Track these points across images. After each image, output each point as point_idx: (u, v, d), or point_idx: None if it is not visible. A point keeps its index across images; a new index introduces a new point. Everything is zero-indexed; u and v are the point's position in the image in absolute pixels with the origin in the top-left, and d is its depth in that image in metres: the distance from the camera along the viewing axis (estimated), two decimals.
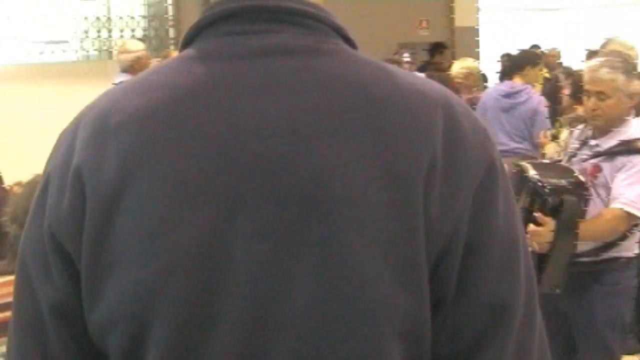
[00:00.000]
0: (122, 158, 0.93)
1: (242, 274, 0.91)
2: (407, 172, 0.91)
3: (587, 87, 3.39)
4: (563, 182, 3.19)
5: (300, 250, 0.90)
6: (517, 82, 6.21)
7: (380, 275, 0.90)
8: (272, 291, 0.90)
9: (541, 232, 3.17)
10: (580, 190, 3.18)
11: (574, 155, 3.47)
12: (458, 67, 7.19)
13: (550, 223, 3.16)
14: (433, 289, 0.93)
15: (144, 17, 10.28)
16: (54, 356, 0.99)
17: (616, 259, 3.32)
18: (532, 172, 3.25)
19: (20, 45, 10.13)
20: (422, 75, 6.76)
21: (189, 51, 1.00)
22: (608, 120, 3.33)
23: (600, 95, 3.30)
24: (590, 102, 3.36)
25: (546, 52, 9.86)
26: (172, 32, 10.41)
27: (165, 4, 10.43)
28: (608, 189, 3.27)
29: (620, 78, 3.28)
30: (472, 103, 6.67)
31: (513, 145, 6.11)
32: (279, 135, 0.92)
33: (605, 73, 3.30)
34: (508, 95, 6.16)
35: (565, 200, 3.13)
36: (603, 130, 3.37)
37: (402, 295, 0.91)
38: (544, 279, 3.27)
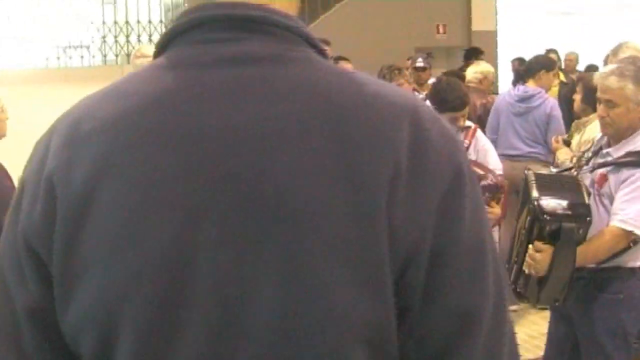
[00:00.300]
0: (92, 166, 0.95)
1: (207, 281, 0.92)
2: (370, 181, 0.91)
3: (598, 94, 3.37)
4: (564, 205, 3.14)
5: (264, 257, 0.91)
6: (530, 86, 6.20)
7: (342, 282, 0.91)
8: (237, 298, 0.91)
9: (538, 260, 3.15)
10: (580, 215, 3.13)
11: (587, 162, 3.43)
12: (472, 72, 7.16)
13: (547, 251, 3.13)
14: (400, 296, 0.93)
15: (161, 22, 10.36)
16: (29, 358, 1.01)
17: (619, 267, 3.28)
18: (534, 193, 3.20)
19: (40, 50, 10.22)
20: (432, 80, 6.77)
21: (161, 59, 1.01)
22: (618, 129, 3.28)
23: (609, 103, 3.26)
24: (600, 110, 3.33)
25: (557, 55, 9.78)
26: None
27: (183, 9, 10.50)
28: (613, 199, 3.24)
29: (630, 87, 3.22)
30: (487, 107, 6.66)
31: (527, 149, 6.10)
32: (244, 144, 0.93)
33: (613, 81, 3.25)
34: (522, 100, 6.15)
35: (563, 227, 3.10)
36: (616, 139, 3.32)
37: (365, 302, 0.91)
38: (542, 296, 3.26)
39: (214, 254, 0.92)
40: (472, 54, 9.77)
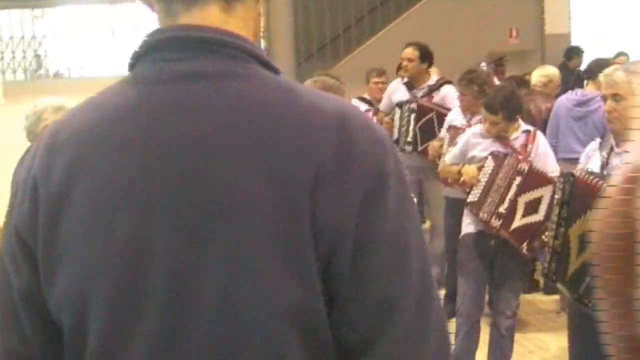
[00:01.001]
0: (66, 169, 1.12)
1: (162, 266, 1.07)
2: (294, 180, 1.05)
3: (603, 91, 3.39)
4: None
5: (208, 246, 1.06)
6: (589, 90, 6.18)
7: (272, 270, 1.05)
8: (186, 282, 1.07)
9: None
10: None
11: (604, 166, 3.44)
12: (538, 75, 7.15)
13: None
14: (328, 283, 1.07)
15: None
16: (26, 335, 1.18)
17: None
18: None
19: (122, 58, 10.58)
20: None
21: (129, 76, 1.18)
22: (625, 123, 3.30)
23: (616, 97, 3.29)
24: (606, 106, 3.35)
25: (628, 58, 9.63)
26: (262, 44, 10.74)
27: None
28: None
29: (636, 80, 3.24)
30: (551, 111, 6.65)
31: None
32: (191, 150, 1.08)
33: (620, 75, 3.27)
34: (580, 104, 6.13)
35: None
36: (621, 136, 3.31)
37: (293, 287, 1.05)
38: None
39: (167, 244, 1.07)
40: (573, 53, 9.69)
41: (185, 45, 1.14)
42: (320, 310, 1.07)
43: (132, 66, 1.18)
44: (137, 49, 1.17)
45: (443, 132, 5.91)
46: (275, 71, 1.17)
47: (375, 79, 7.24)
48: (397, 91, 6.68)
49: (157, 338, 1.08)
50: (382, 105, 6.93)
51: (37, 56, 11.43)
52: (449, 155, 4.91)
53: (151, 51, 1.15)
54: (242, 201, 1.05)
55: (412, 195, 1.15)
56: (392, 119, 6.60)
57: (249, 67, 1.14)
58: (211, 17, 1.15)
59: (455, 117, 5.78)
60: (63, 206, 1.11)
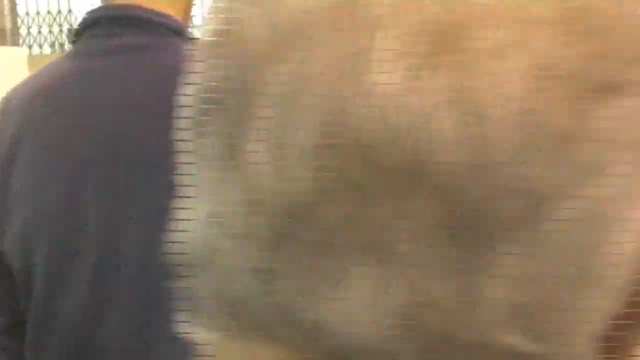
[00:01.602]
0: (14, 131, 1.28)
1: (94, 215, 1.23)
2: None
3: None
4: None
5: (130, 198, 1.22)
6: None
7: None
8: (115, 230, 1.23)
9: None
10: None
11: None
12: None
13: None
14: None
15: None
16: None
17: None
18: None
19: None
20: None
21: (71, 49, 1.33)
22: None
23: None
24: None
25: None
26: None
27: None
28: None
29: None
30: None
31: None
32: (116, 113, 1.24)
33: None
34: None
35: None
36: None
37: None
38: None
39: (97, 198, 1.23)
40: None
41: (115, 22, 1.29)
42: None
43: (74, 41, 1.33)
44: (78, 26, 1.32)
45: None
46: None
47: None
48: None
49: (91, 280, 1.23)
50: None
51: (67, 30, 11.62)
52: None
53: (89, 27, 1.31)
54: (156, 157, 1.20)
55: None
56: None
57: (171, 41, 1.29)
58: None
59: None
60: (12, 165, 1.27)
